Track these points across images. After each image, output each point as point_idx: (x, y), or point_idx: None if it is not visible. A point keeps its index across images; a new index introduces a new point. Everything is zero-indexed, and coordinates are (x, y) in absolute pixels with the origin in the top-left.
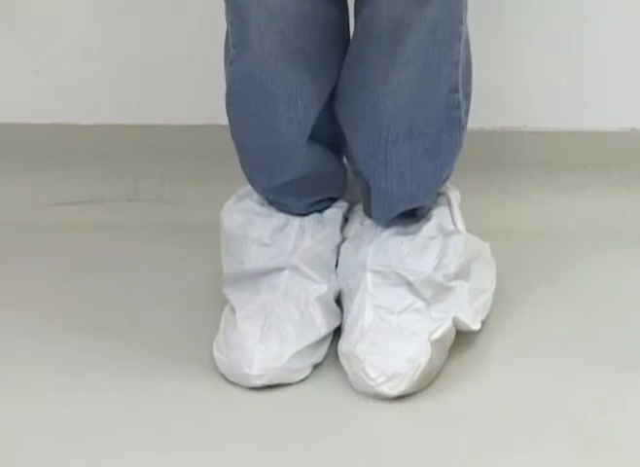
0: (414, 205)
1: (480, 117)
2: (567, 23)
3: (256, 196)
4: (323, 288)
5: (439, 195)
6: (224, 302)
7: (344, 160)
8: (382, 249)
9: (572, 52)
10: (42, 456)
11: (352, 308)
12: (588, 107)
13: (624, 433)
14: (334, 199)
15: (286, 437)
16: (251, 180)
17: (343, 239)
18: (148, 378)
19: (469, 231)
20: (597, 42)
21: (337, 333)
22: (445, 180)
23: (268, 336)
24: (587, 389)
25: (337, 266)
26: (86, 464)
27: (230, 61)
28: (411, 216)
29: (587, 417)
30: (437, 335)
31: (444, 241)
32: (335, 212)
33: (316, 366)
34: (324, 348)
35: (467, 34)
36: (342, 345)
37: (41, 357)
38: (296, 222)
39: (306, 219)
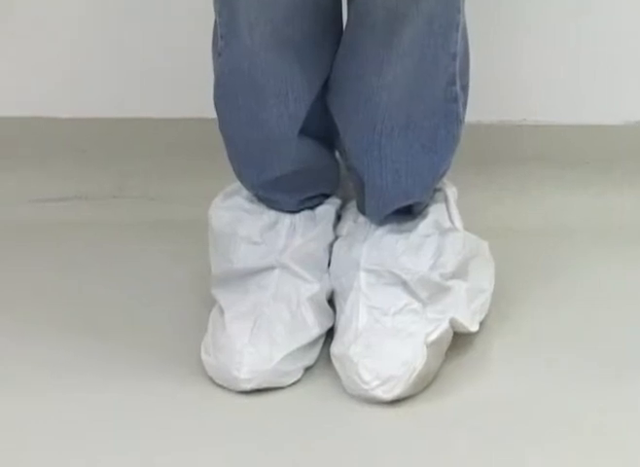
0: (410, 202)
1: (477, 110)
2: (567, 11)
3: (245, 192)
4: (315, 288)
5: (435, 191)
6: (212, 302)
7: (337, 154)
8: (376, 247)
9: (572, 43)
10: (35, 457)
11: (345, 309)
12: (590, 100)
13: (624, 433)
14: (326, 196)
15: (277, 442)
16: (240, 176)
17: (336, 237)
18: (133, 381)
19: (466, 228)
20: (597, 33)
21: (329, 334)
22: (442, 176)
23: (258, 337)
24: (588, 389)
25: (329, 265)
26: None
27: (218, 53)
28: (407, 213)
29: (587, 417)
30: (433, 336)
31: (440, 239)
32: (327, 209)
33: (308, 369)
34: (316, 351)
35: (465, 24)
36: (335, 347)
37: (26, 357)
38: (286, 219)
39: (298, 216)
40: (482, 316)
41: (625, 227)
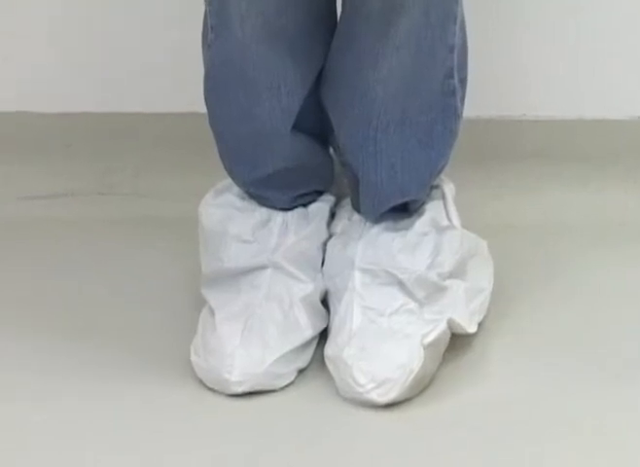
0: (406, 199)
1: (476, 104)
2: (567, 6)
3: (236, 189)
4: (308, 288)
5: (432, 188)
6: (202, 302)
7: (331, 150)
8: (372, 246)
9: (572, 37)
10: (26, 460)
11: (339, 310)
12: (591, 94)
13: (624, 433)
14: (320, 193)
15: (270, 447)
16: (231, 172)
17: (330, 236)
18: (120, 382)
19: (465, 226)
20: (597, 26)
21: (323, 336)
22: (440, 172)
23: (250, 339)
24: (588, 390)
25: (323, 264)
26: None
27: (208, 45)
28: (403, 211)
29: (588, 418)
30: (430, 338)
31: (437, 238)
32: (321, 207)
33: (301, 371)
34: (309, 352)
35: (463, 16)
36: (329, 349)
37: (11, 357)
38: (279, 217)
39: (290, 214)
40: (481, 317)
41: (626, 224)
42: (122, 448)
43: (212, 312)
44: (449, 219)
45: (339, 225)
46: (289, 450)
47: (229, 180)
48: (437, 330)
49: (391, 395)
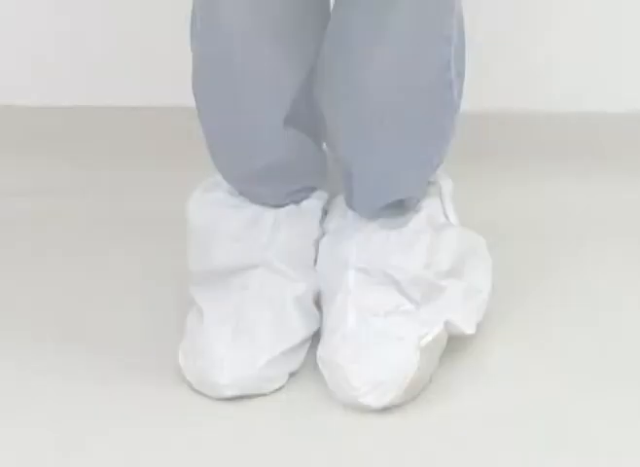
0: (402, 196)
1: (474, 98)
2: None
3: (226, 185)
4: (300, 287)
5: (429, 184)
6: (191, 301)
7: (324, 145)
8: (366, 244)
9: (573, 29)
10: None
11: (333, 310)
12: (594, 86)
13: (624, 434)
14: (312, 189)
15: (261, 451)
16: (220, 168)
17: (323, 234)
18: (108, 385)
19: (462, 223)
20: (598, 19)
21: (316, 337)
22: (436, 168)
23: (240, 341)
24: (588, 390)
25: (315, 263)
26: None
27: (195, 36)
28: (399, 208)
29: (589, 421)
30: (427, 340)
31: (434, 236)
32: (313, 203)
33: (293, 374)
34: (301, 355)
35: (460, 7)
36: (322, 351)
37: None
38: (270, 214)
39: (282, 211)
40: (480, 318)
41: (629, 221)
42: (112, 449)
43: (200, 313)
44: (447, 216)
45: (333, 222)
46: (280, 455)
47: (218, 176)
48: (434, 331)
49: (386, 399)
